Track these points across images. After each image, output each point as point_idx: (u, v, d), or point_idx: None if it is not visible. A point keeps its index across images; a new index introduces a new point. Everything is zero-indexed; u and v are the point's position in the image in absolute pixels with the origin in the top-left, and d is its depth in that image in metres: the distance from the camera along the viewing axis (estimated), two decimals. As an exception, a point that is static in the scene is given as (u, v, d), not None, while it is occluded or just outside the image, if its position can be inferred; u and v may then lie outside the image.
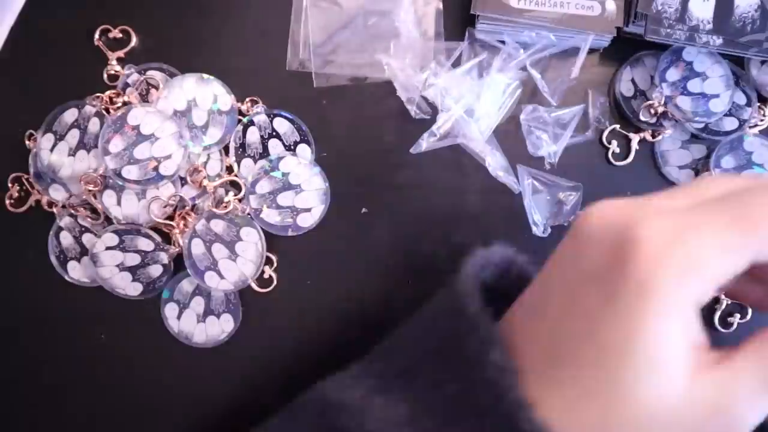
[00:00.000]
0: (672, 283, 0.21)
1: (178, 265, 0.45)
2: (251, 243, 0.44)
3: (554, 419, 0.22)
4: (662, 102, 0.45)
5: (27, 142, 0.46)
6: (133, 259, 0.45)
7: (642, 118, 0.45)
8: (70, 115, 0.46)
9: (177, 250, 0.44)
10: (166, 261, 0.45)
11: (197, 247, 0.44)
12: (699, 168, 0.45)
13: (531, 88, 0.46)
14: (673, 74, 0.45)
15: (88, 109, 0.46)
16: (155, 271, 0.45)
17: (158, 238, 0.45)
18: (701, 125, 0.45)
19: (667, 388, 0.21)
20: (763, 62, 0.46)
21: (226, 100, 0.46)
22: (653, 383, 0.21)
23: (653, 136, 0.46)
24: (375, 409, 0.26)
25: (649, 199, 0.24)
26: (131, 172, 0.44)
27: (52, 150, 0.45)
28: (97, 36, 0.47)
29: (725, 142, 0.45)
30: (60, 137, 0.45)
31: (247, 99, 0.46)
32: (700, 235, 0.21)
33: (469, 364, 0.23)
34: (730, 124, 0.45)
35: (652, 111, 0.45)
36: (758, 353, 0.22)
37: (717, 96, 0.45)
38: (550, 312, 0.24)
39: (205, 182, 0.45)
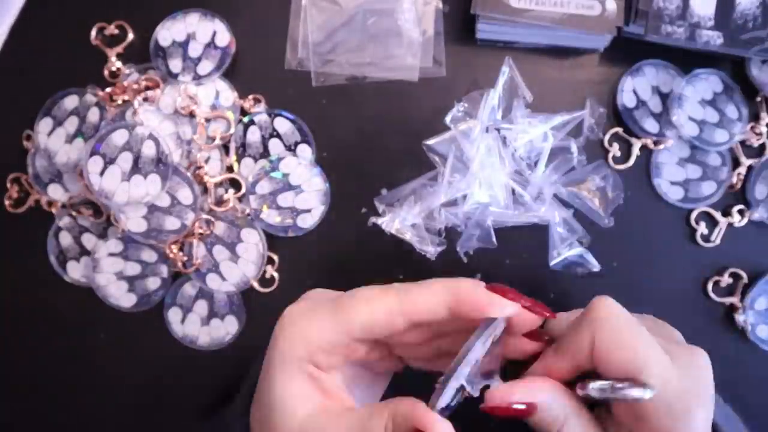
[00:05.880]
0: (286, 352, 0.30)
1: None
2: (252, 244, 0.44)
3: None
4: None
5: (25, 143, 0.46)
6: (134, 269, 0.44)
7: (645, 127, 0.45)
8: (70, 101, 0.45)
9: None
10: (165, 275, 0.45)
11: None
12: (689, 187, 0.46)
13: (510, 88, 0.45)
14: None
15: (89, 97, 0.45)
16: (153, 283, 0.45)
17: (161, 250, 0.44)
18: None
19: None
20: (763, 62, 0.46)
21: (228, 95, 0.46)
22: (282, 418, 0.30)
23: (655, 145, 0.46)
24: None
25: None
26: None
27: (49, 135, 0.45)
28: (93, 35, 0.47)
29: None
30: (59, 122, 0.45)
31: (250, 96, 0.46)
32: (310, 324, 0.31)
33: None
34: (721, 136, 0.45)
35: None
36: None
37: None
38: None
39: (206, 178, 0.45)
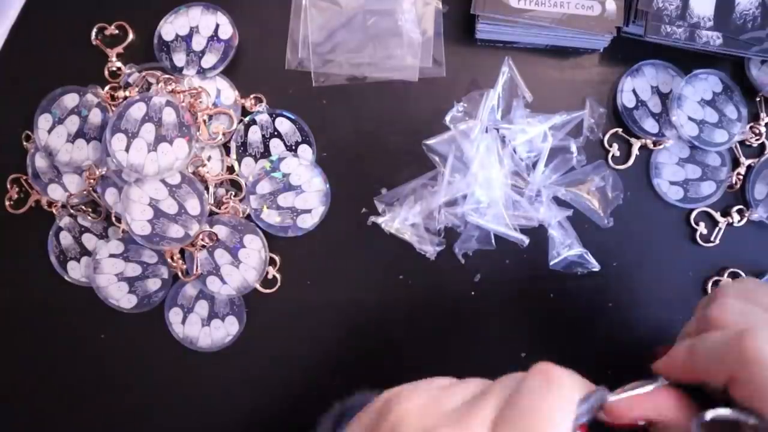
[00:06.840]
0: None
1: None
2: (254, 250, 0.44)
3: None
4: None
5: (25, 143, 0.46)
6: (134, 270, 0.44)
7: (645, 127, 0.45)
8: (70, 99, 0.45)
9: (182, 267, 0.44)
10: (165, 276, 0.45)
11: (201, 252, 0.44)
12: (689, 188, 0.46)
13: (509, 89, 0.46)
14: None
15: (90, 97, 0.45)
16: (153, 285, 0.44)
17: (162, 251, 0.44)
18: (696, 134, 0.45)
19: None
20: (763, 62, 0.46)
21: (229, 94, 0.46)
22: None
23: (655, 145, 0.46)
24: None
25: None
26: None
27: (50, 132, 0.45)
28: (93, 35, 0.47)
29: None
30: (59, 120, 0.45)
31: (252, 95, 0.46)
32: None
33: None
34: (720, 136, 0.45)
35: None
36: None
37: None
38: None
39: (207, 175, 0.44)
